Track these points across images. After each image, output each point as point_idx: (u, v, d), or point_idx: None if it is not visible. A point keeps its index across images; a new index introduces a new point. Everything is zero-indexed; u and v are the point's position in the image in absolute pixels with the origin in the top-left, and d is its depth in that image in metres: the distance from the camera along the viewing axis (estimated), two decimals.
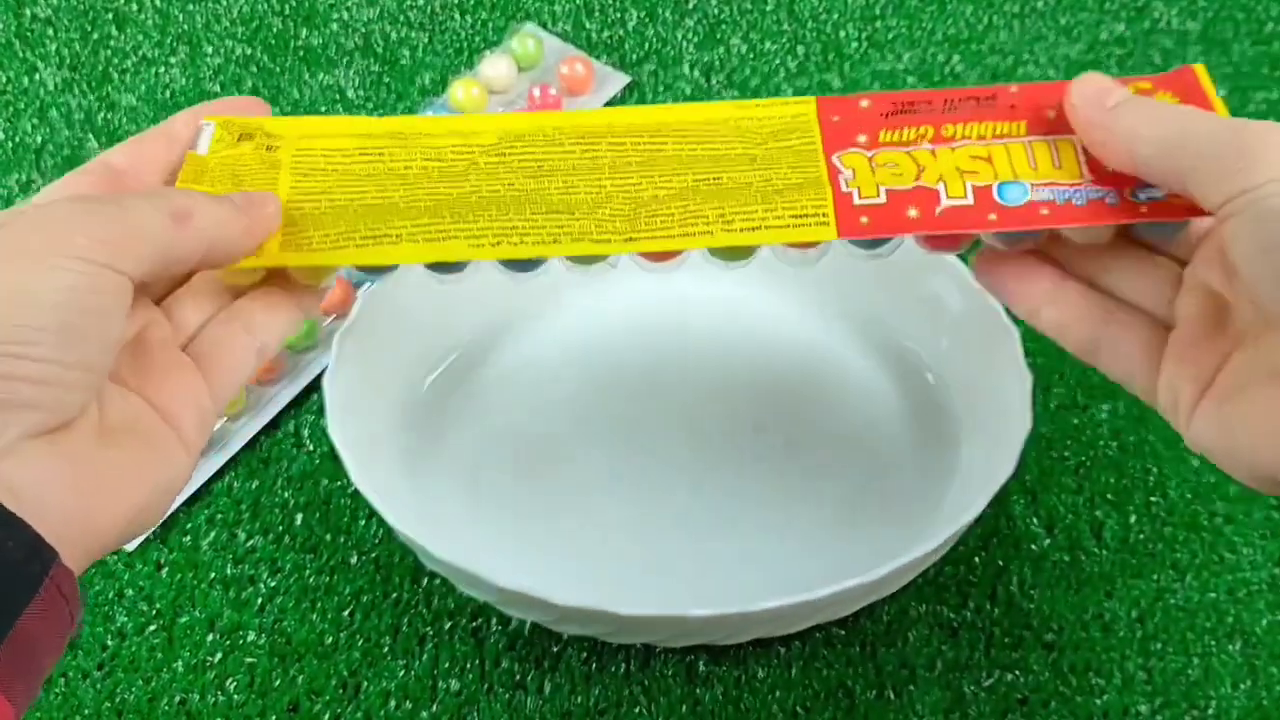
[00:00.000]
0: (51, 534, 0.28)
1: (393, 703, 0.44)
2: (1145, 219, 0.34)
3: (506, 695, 0.45)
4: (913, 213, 0.34)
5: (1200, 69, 0.35)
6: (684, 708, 0.44)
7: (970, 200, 0.34)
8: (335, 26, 0.69)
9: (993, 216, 0.34)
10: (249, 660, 0.45)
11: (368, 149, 0.37)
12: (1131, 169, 0.33)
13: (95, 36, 0.69)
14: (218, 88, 0.66)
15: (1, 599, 0.27)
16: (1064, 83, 0.35)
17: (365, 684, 0.45)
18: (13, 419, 0.28)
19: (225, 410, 0.51)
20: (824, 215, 0.34)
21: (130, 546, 0.48)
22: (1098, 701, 0.44)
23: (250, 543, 0.49)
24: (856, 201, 0.35)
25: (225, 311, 0.35)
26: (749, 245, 0.35)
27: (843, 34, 0.68)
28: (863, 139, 0.36)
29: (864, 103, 0.36)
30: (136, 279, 0.30)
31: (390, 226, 0.35)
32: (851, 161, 0.35)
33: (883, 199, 0.35)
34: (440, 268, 0.36)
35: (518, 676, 0.45)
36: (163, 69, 0.67)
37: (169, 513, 0.49)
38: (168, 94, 0.66)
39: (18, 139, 0.64)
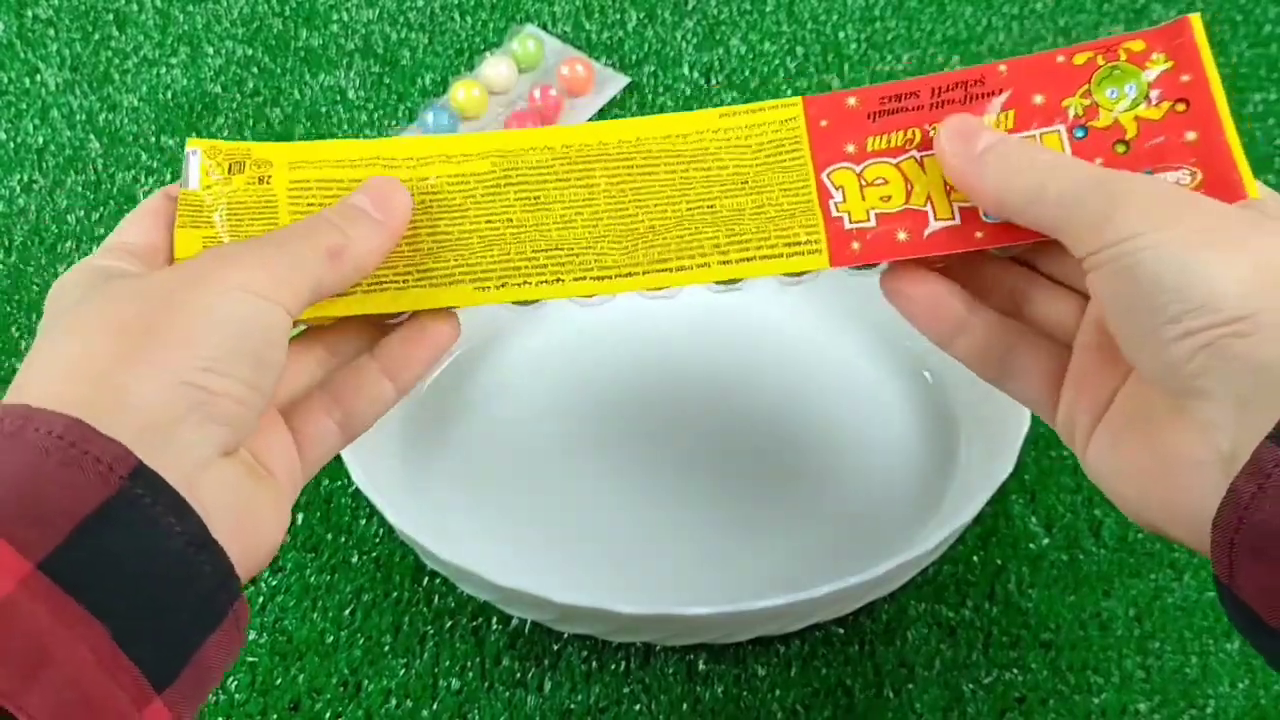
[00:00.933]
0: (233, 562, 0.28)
1: (393, 701, 0.45)
2: None
3: (507, 693, 0.45)
4: (902, 236, 0.34)
5: (1196, 20, 0.34)
6: (684, 706, 0.44)
7: (957, 220, 0.34)
8: (335, 27, 0.69)
9: (979, 235, 0.34)
10: (250, 659, 0.46)
11: (362, 182, 0.36)
12: (1003, 217, 0.33)
13: (96, 37, 0.69)
14: (219, 88, 0.66)
15: (192, 622, 0.27)
16: (1050, 54, 0.35)
17: (366, 682, 0.45)
18: (212, 434, 0.29)
19: None
20: (816, 243, 0.35)
21: None
22: (1096, 700, 0.44)
23: None
24: (847, 226, 0.35)
25: (320, 386, 0.35)
26: (742, 277, 0.35)
27: (842, 35, 0.68)
28: (851, 149, 0.35)
29: (851, 100, 0.36)
30: (295, 314, 0.31)
31: (396, 271, 0.35)
32: (841, 180, 0.35)
33: (872, 223, 0.35)
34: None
35: (518, 675, 0.45)
36: (164, 70, 0.67)
37: None
38: (169, 94, 0.66)
39: (19, 139, 0.64)
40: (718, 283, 0.36)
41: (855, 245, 0.34)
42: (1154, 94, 0.34)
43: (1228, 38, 0.68)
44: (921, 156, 0.35)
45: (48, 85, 0.67)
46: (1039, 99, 0.35)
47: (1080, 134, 0.34)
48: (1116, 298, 0.30)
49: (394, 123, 0.65)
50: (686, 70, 0.67)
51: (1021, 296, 0.36)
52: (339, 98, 0.66)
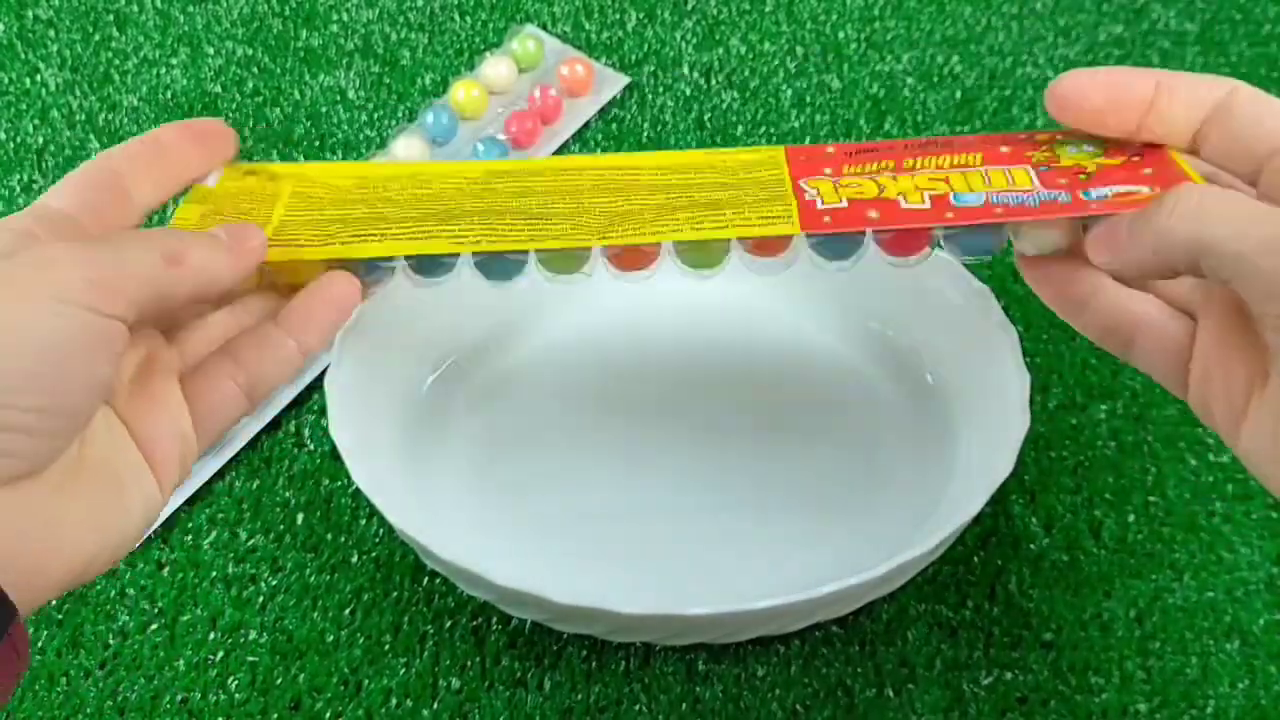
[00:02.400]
0: (5, 583, 0.27)
1: (394, 700, 0.45)
2: (1094, 212, 0.35)
3: (507, 693, 0.45)
4: (873, 214, 0.36)
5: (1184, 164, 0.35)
6: (684, 706, 0.44)
7: (928, 205, 0.36)
8: (335, 28, 0.69)
9: (950, 215, 0.36)
10: (250, 658, 0.46)
11: (363, 183, 0.39)
12: (1179, 271, 0.32)
13: (96, 38, 0.69)
14: (219, 89, 0.66)
15: None
16: (1025, 140, 0.38)
17: (366, 682, 0.45)
18: None
19: None
20: (789, 217, 0.37)
21: None
22: (1096, 700, 0.44)
23: (251, 542, 0.49)
24: (820, 206, 0.37)
25: (220, 349, 0.35)
26: (716, 239, 0.37)
27: (841, 35, 0.68)
28: (827, 171, 0.38)
29: (829, 149, 0.39)
30: (129, 321, 0.30)
31: (376, 229, 0.37)
32: (816, 184, 0.38)
33: (844, 204, 0.37)
34: (421, 269, 0.38)
35: (518, 674, 0.45)
36: (164, 70, 0.67)
37: (157, 524, 0.49)
38: (169, 95, 0.66)
39: (19, 140, 0.64)
40: (691, 260, 0.38)
41: (826, 219, 0.37)
42: (1111, 150, 0.37)
43: (1227, 38, 0.68)
44: (896, 174, 0.38)
45: (48, 85, 0.67)
46: (1004, 149, 0.38)
47: (1045, 169, 0.37)
48: None
49: (394, 123, 0.65)
50: (686, 70, 0.67)
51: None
52: (339, 98, 0.66)
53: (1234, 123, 0.34)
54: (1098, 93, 0.35)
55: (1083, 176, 0.36)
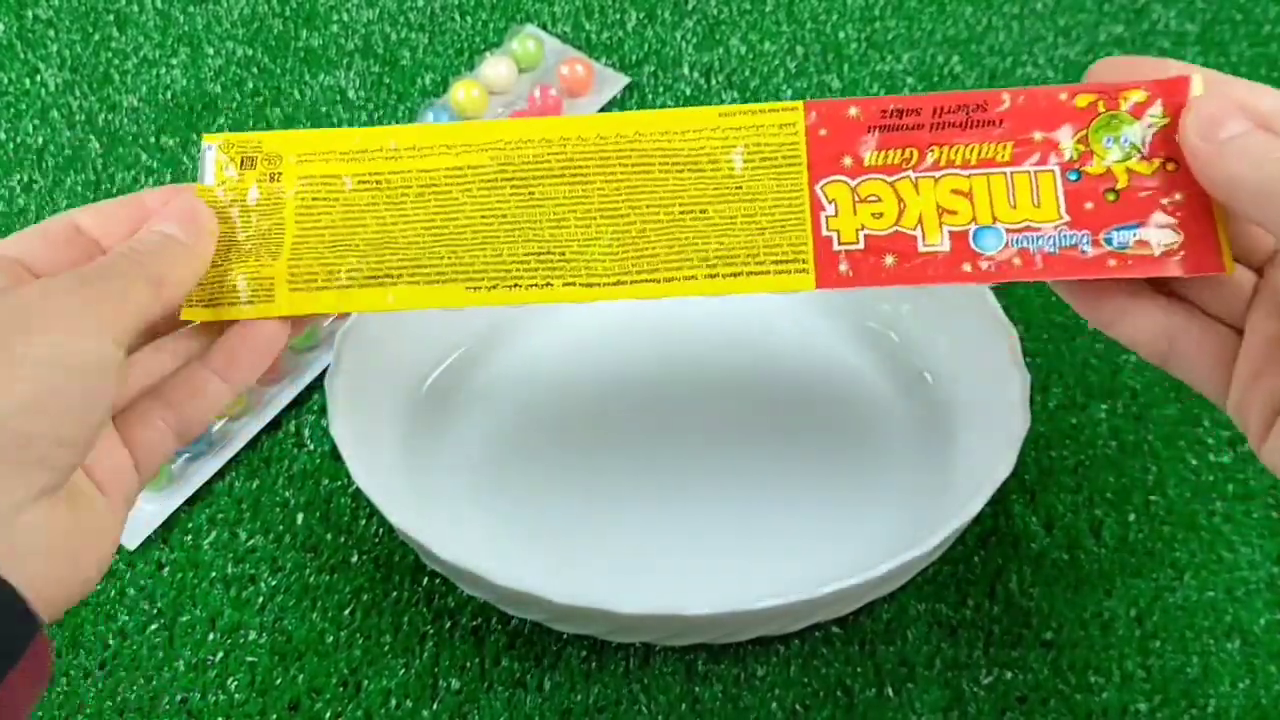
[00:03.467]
0: (35, 596, 0.29)
1: (393, 701, 0.44)
2: (1110, 274, 0.34)
3: (507, 693, 0.45)
4: (889, 260, 0.35)
5: (1197, 81, 0.34)
6: (683, 706, 0.44)
7: (946, 247, 0.35)
8: (335, 28, 0.69)
9: (967, 267, 0.35)
10: (250, 659, 0.46)
11: (365, 177, 0.37)
12: (1231, 207, 0.33)
13: (96, 38, 0.69)
14: (219, 89, 0.66)
15: None
16: (1055, 90, 0.35)
17: (366, 682, 0.45)
18: (31, 478, 0.29)
19: (227, 410, 0.51)
20: (804, 261, 0.36)
21: (131, 546, 0.48)
22: (1097, 700, 0.44)
23: (251, 542, 0.49)
24: (836, 247, 0.35)
25: (149, 392, 0.36)
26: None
27: (842, 35, 0.68)
28: (848, 161, 0.36)
29: (852, 110, 0.36)
30: (125, 346, 0.31)
31: (389, 264, 0.36)
32: (835, 193, 0.36)
33: (861, 244, 0.35)
34: None
35: (518, 675, 0.45)
36: (164, 70, 0.67)
37: (157, 524, 0.49)
38: (169, 95, 0.66)
39: (19, 140, 0.64)
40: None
41: (843, 267, 0.35)
42: (1147, 148, 0.35)
43: (1228, 38, 0.68)
44: (917, 177, 0.36)
45: (48, 85, 0.67)
46: (1038, 135, 0.35)
47: (1074, 177, 0.35)
48: None
49: (394, 123, 0.65)
50: (686, 70, 0.67)
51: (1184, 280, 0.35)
52: (339, 98, 0.66)
53: None
54: (1137, 71, 0.35)
55: (1110, 195, 0.35)
